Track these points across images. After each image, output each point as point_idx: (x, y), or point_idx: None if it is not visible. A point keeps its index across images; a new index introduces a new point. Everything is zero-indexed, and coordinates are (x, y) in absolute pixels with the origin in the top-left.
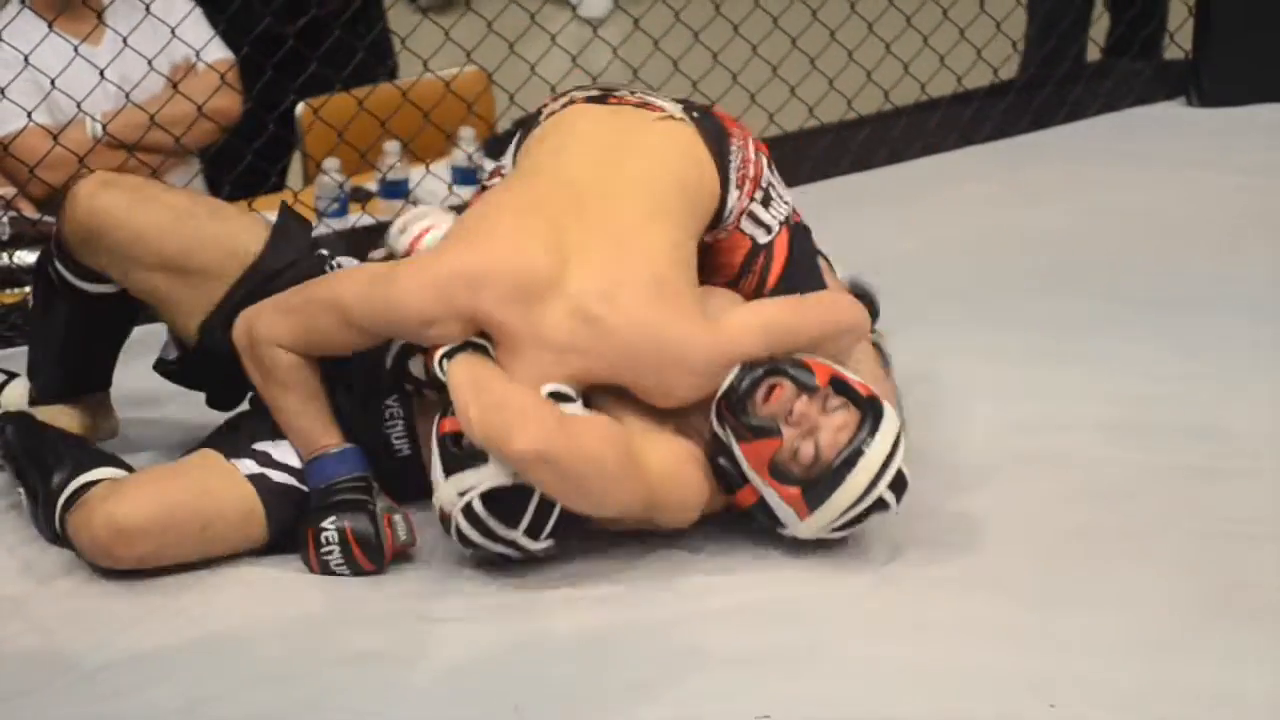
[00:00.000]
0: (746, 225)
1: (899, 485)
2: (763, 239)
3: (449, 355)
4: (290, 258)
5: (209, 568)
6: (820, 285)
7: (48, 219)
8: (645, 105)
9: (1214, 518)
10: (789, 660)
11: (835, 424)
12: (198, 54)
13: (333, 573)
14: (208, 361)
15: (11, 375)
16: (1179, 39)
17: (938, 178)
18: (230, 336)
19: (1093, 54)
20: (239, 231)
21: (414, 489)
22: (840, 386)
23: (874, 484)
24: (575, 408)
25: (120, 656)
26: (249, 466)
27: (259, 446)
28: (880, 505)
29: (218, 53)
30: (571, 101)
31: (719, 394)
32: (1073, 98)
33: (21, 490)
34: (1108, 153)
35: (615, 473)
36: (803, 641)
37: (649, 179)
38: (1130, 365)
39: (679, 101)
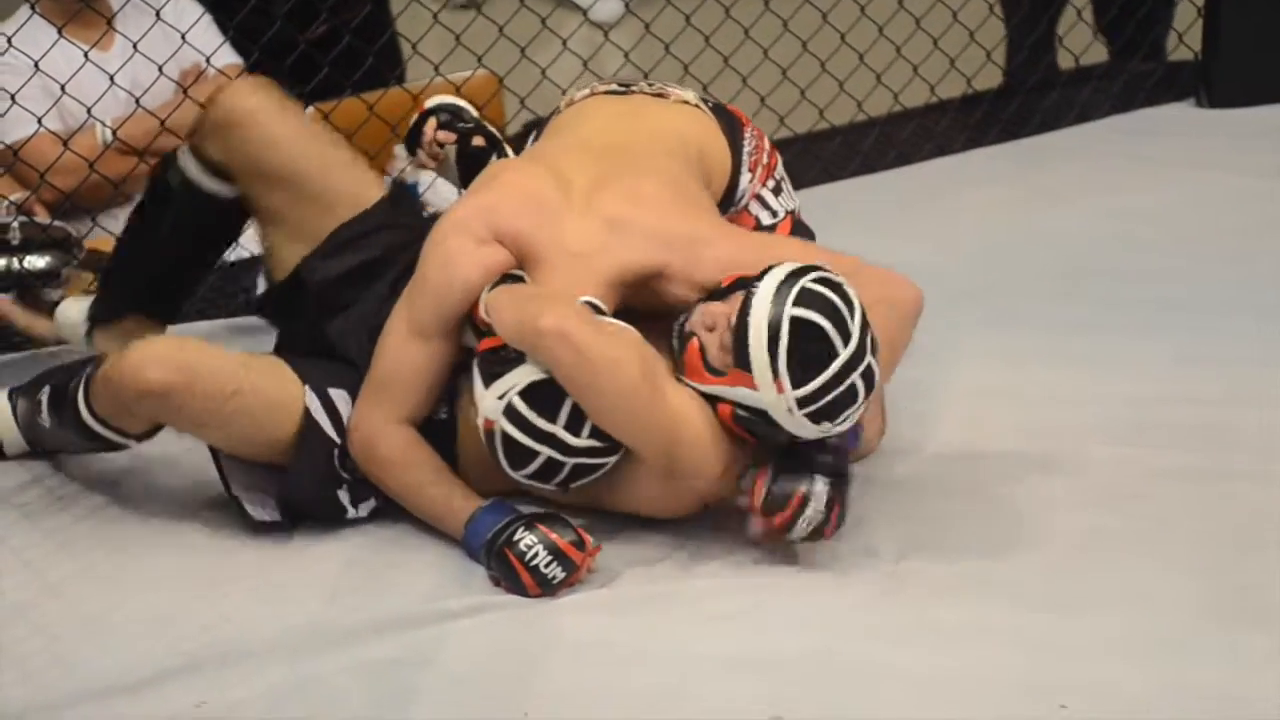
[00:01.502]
0: (754, 207)
1: (813, 301)
2: (767, 220)
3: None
4: (396, 220)
5: (221, 571)
6: None
7: (58, 224)
8: (661, 94)
9: (1223, 519)
10: (798, 663)
11: (734, 301)
12: (208, 59)
13: (547, 579)
14: (294, 297)
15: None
16: (1188, 40)
17: (947, 179)
18: (322, 277)
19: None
20: (363, 179)
21: (447, 454)
22: (743, 280)
23: (778, 311)
24: (605, 319)
25: (130, 661)
26: (308, 392)
27: (326, 385)
28: (810, 331)
29: (227, 58)
30: (592, 93)
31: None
32: (1081, 100)
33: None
34: (1117, 154)
35: (631, 379)
36: (812, 644)
37: (657, 132)
38: (1139, 366)
39: (704, 100)
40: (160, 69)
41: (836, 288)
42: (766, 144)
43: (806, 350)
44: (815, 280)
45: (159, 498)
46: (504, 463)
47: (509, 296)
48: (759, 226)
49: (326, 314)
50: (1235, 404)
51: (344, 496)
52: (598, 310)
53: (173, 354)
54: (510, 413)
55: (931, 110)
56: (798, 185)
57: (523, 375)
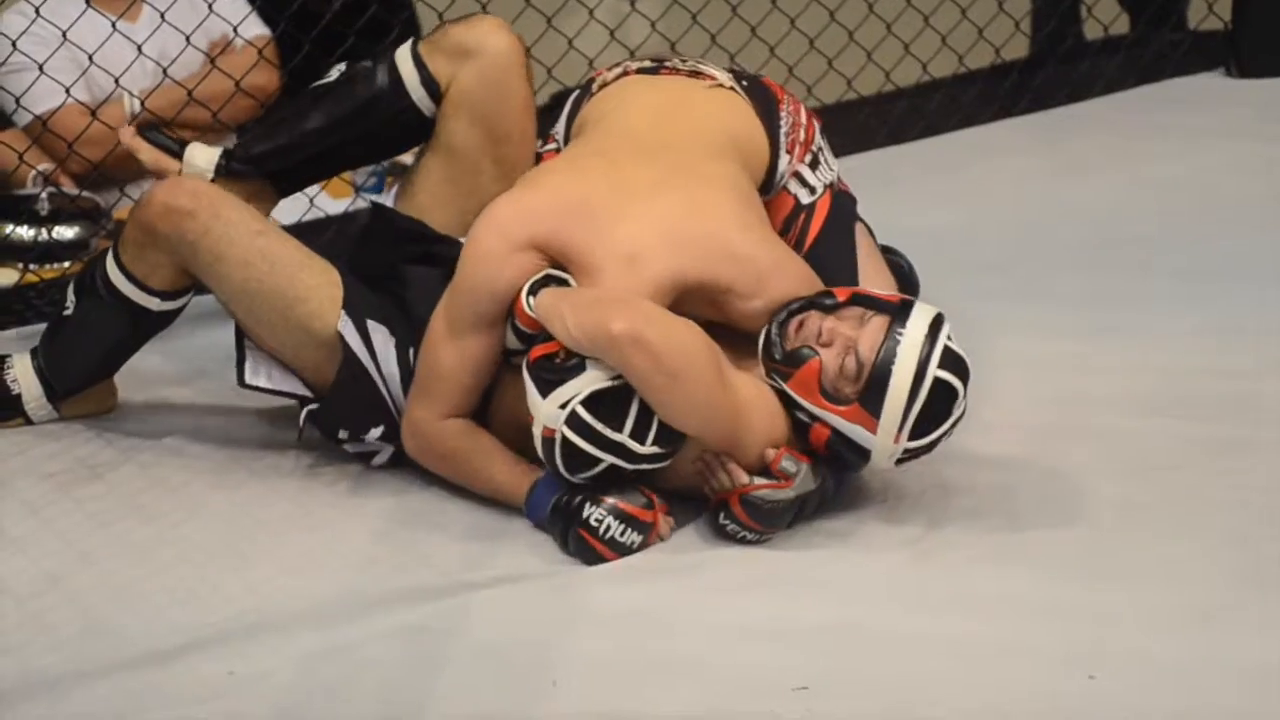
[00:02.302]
0: (792, 185)
1: (955, 365)
2: (805, 199)
3: (533, 292)
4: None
5: (250, 543)
6: (851, 252)
7: (86, 194)
8: (697, 74)
9: (1254, 489)
10: (825, 634)
11: (868, 331)
12: (235, 30)
13: (625, 546)
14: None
15: None
16: (1218, 10)
17: (975, 150)
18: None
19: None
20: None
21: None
22: (863, 299)
23: (923, 367)
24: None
25: (161, 631)
26: (349, 326)
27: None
28: (946, 392)
29: (255, 28)
30: (625, 73)
31: (760, 352)
32: (1111, 69)
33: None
34: (1147, 124)
35: (703, 374)
36: (839, 615)
37: (705, 130)
38: (1169, 337)
39: (729, 71)
40: (188, 39)
41: (953, 342)
42: (803, 115)
43: (936, 409)
44: (948, 336)
45: (189, 469)
46: (561, 468)
47: (566, 303)
48: (797, 206)
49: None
50: (1267, 374)
51: (375, 433)
52: None
53: (205, 185)
54: (574, 421)
55: (960, 80)
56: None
57: (585, 383)
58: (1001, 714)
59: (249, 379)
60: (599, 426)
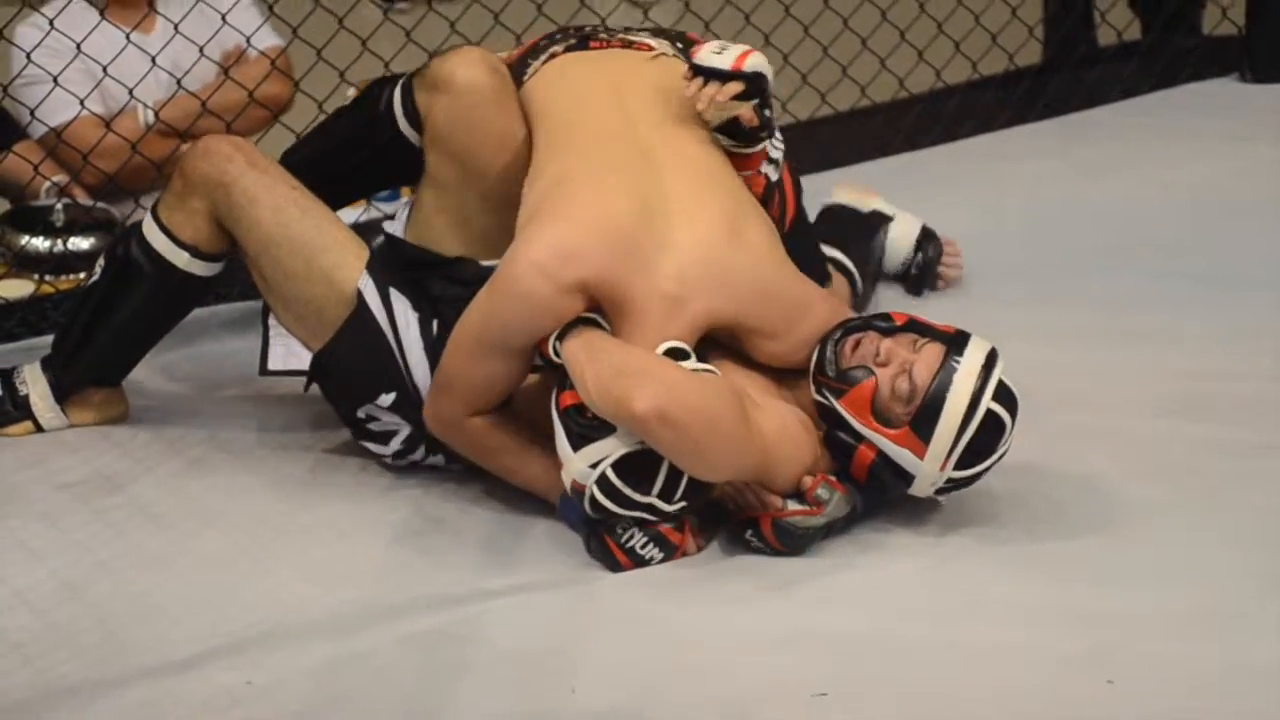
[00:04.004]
0: (764, 165)
1: (1007, 399)
2: (774, 176)
3: (560, 336)
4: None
5: (267, 552)
6: (814, 229)
7: (101, 206)
8: (631, 45)
9: (1273, 492)
10: (843, 639)
11: (924, 356)
12: (249, 40)
13: (644, 560)
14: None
15: None
16: (1232, 15)
17: (992, 156)
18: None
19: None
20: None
21: None
22: (920, 326)
23: (977, 397)
24: (691, 364)
25: (180, 640)
26: (369, 285)
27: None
28: (996, 425)
29: (269, 39)
30: (552, 56)
31: (811, 368)
32: (1126, 75)
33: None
34: (1162, 129)
35: (731, 430)
36: (857, 621)
37: (681, 116)
38: (1188, 340)
39: (658, 33)
40: (201, 50)
41: (1006, 378)
42: None
43: (985, 441)
44: (1002, 370)
45: (207, 480)
46: (589, 513)
47: (590, 367)
48: (769, 185)
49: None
50: None
51: (385, 399)
52: (682, 354)
53: (244, 142)
54: (603, 484)
55: (974, 87)
56: (841, 163)
57: (615, 445)
58: (1020, 718)
59: (271, 365)
60: (628, 491)
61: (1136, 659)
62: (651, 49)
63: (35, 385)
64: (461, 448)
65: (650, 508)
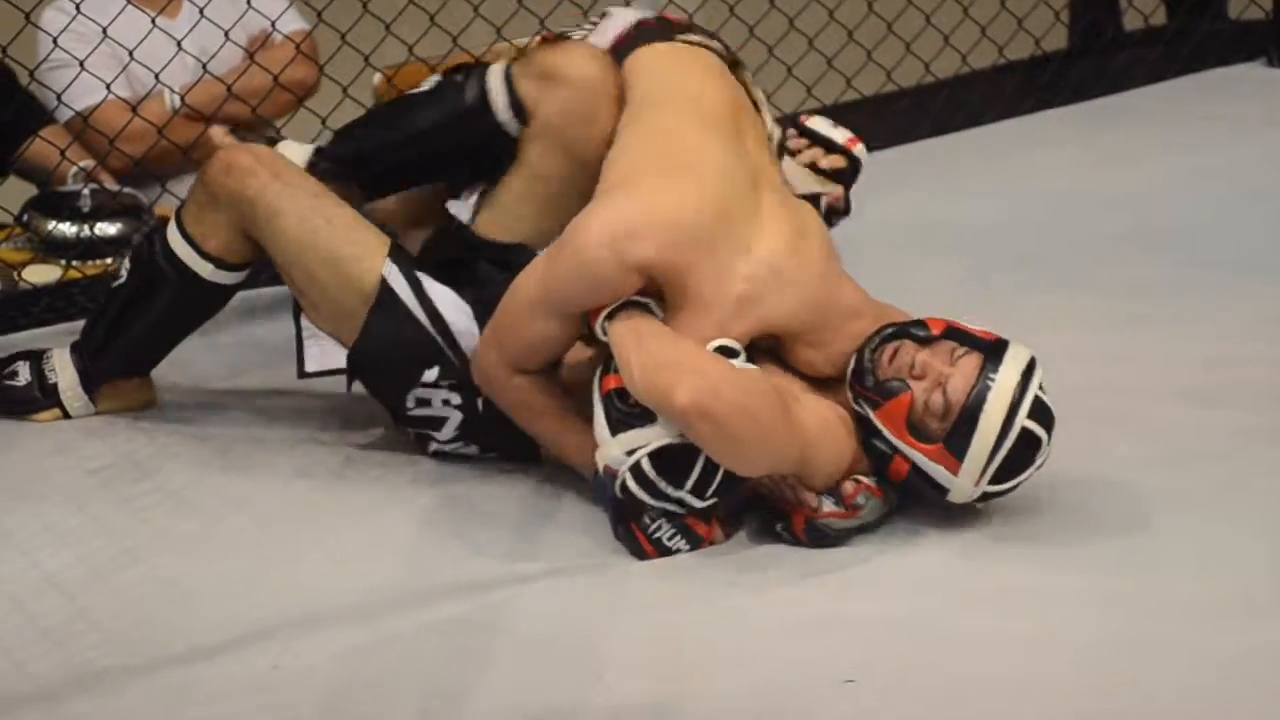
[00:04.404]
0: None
1: (1043, 415)
2: None
3: (610, 316)
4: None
5: (294, 538)
6: None
7: (128, 190)
8: (708, 47)
9: None
10: (869, 627)
11: (960, 370)
12: (274, 24)
13: (670, 550)
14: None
15: None
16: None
17: (1017, 141)
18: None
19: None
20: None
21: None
22: (958, 334)
23: (1011, 415)
24: (740, 363)
25: (207, 625)
26: (393, 270)
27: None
28: (1030, 442)
29: (294, 23)
30: (648, 43)
31: (848, 375)
32: (1152, 60)
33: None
34: (1189, 114)
35: (772, 428)
36: (882, 609)
37: (756, 130)
38: (1213, 326)
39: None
40: (227, 35)
41: (1043, 391)
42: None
43: (1020, 458)
44: (1039, 385)
45: (233, 465)
46: (619, 495)
47: (636, 354)
48: None
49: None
50: None
51: (429, 375)
52: (732, 353)
53: (267, 149)
54: (637, 473)
55: (1000, 72)
56: (867, 147)
57: (653, 435)
58: (1048, 706)
59: (309, 367)
60: (661, 483)
61: (1163, 647)
62: (722, 55)
63: (64, 373)
64: (504, 404)
65: (681, 502)
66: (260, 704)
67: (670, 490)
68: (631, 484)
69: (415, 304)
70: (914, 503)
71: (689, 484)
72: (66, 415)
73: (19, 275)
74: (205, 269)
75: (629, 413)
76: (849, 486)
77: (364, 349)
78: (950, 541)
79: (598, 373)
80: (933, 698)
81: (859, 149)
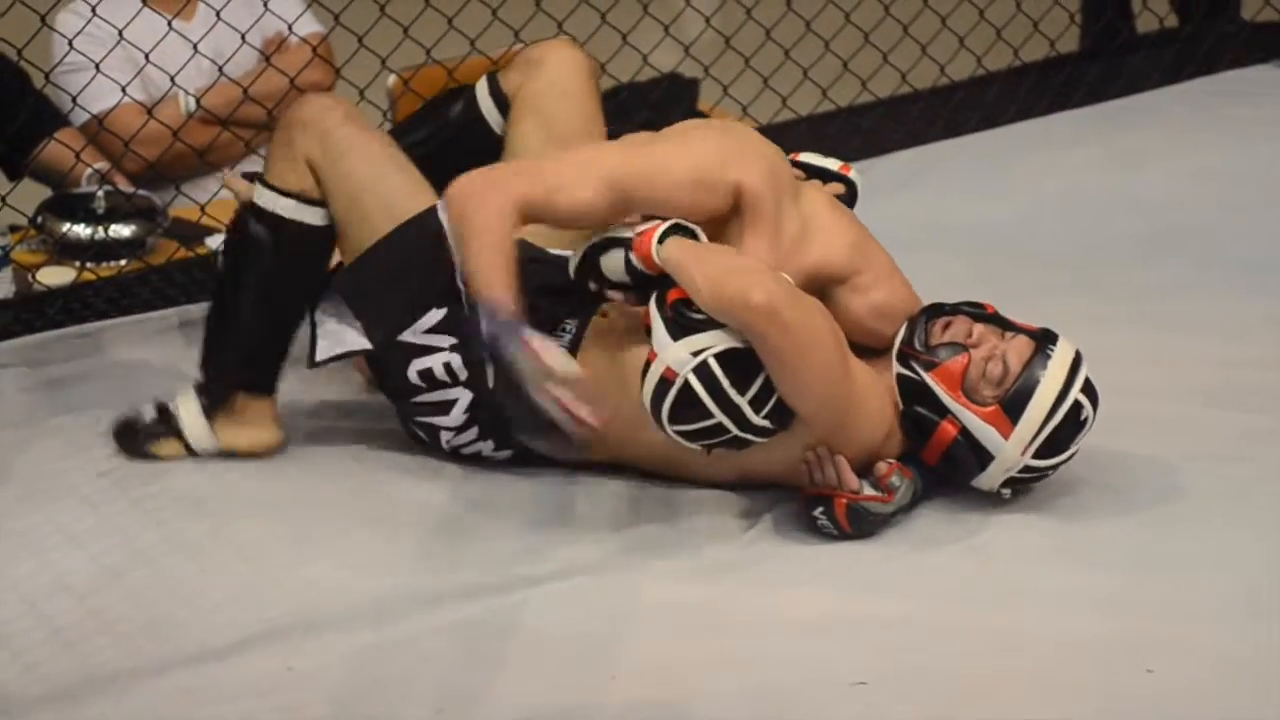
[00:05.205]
0: None
1: (1093, 396)
2: None
3: (661, 240)
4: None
5: (306, 539)
6: None
7: (143, 193)
8: None
9: None
10: (881, 628)
11: (1016, 345)
12: (290, 27)
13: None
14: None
15: None
16: (1275, 1)
17: (1032, 142)
18: None
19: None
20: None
21: None
22: (1006, 320)
23: (1068, 385)
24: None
25: (219, 626)
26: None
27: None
28: (1078, 418)
29: (310, 26)
30: None
31: (896, 346)
32: (1166, 62)
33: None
34: (1203, 116)
35: (830, 354)
36: (895, 610)
37: None
38: (1228, 328)
39: None
40: (243, 38)
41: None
42: None
43: (1065, 433)
44: (1087, 370)
45: (244, 467)
46: (664, 412)
47: (700, 266)
48: None
49: None
50: None
51: (432, 316)
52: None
53: (344, 99)
54: (703, 372)
55: (1014, 74)
56: (882, 150)
57: (721, 339)
58: (1059, 707)
59: (319, 356)
60: (725, 384)
61: (1176, 647)
62: None
63: (186, 405)
64: (453, 214)
65: (738, 411)
66: (273, 705)
67: (733, 394)
68: (695, 384)
69: (455, 243)
70: (939, 487)
71: (751, 392)
72: (189, 450)
73: (34, 277)
74: (287, 206)
75: (695, 320)
76: (882, 467)
77: (380, 255)
78: (962, 541)
79: (655, 293)
80: (943, 698)
81: (853, 174)
